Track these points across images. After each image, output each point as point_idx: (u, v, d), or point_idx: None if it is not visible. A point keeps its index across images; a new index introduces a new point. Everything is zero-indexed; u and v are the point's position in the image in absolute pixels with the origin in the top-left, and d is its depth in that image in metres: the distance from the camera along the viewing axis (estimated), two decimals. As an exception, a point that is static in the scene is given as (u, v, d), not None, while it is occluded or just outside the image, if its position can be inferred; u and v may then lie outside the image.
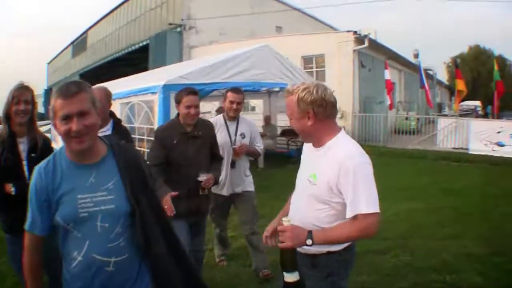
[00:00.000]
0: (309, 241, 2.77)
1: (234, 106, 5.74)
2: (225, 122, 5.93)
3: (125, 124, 11.32)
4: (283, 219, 2.86)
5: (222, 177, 5.63)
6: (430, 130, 21.89)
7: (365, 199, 2.75)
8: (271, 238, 3.32)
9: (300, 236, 2.78)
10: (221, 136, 5.68)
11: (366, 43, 21.99)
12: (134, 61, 36.50)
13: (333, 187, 2.85)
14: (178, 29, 28.45)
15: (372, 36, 22.60)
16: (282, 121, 17.79)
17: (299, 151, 10.06)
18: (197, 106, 4.78)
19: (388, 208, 8.95)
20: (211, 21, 28.13)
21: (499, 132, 17.70)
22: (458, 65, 24.67)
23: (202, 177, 4.75)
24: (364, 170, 2.83)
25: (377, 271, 5.99)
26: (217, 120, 5.97)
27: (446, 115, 27.71)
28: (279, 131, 18.06)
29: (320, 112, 2.91)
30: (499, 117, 25.48)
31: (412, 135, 22.54)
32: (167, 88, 9.56)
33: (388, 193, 9.60)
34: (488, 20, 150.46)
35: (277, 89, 13.24)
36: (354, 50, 22.06)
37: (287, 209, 3.44)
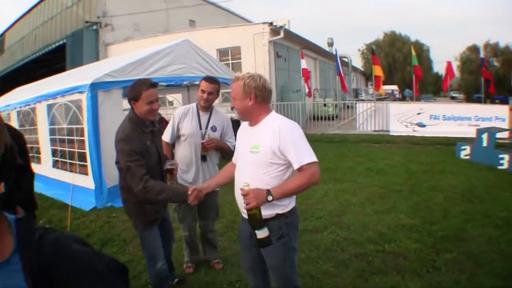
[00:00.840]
0: (269, 197, 3.41)
1: (205, 96, 5.43)
2: (198, 112, 5.61)
3: (54, 126, 11.53)
4: (243, 184, 3.43)
5: (192, 172, 5.55)
6: (349, 115, 22.59)
7: (305, 152, 3.45)
8: (195, 195, 4.03)
9: (261, 194, 3.41)
10: (191, 126, 5.52)
11: (282, 34, 22.69)
12: (50, 62, 35.68)
13: (276, 150, 3.49)
14: (94, 27, 28.09)
15: (286, 27, 23.24)
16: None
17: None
18: (158, 100, 4.43)
19: (316, 189, 9.48)
20: (125, 17, 28.01)
21: (419, 114, 18.83)
22: (374, 52, 25.36)
23: (170, 165, 4.66)
24: (298, 131, 3.58)
25: (317, 247, 6.41)
26: (189, 108, 5.66)
27: (363, 100, 28.59)
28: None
29: (259, 96, 3.62)
30: (417, 99, 26.80)
31: (330, 120, 23.22)
32: (94, 86, 9.64)
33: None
34: (404, 8, 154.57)
35: (197, 82, 13.44)
36: (270, 41, 22.68)
37: (222, 173, 4.34)
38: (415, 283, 5.13)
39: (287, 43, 25.12)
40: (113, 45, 27.84)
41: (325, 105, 24.81)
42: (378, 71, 21.85)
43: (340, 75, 23.48)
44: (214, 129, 5.63)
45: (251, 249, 3.90)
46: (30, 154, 13.43)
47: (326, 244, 6.56)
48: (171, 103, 24.00)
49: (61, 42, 31.17)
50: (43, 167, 12.67)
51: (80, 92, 10.09)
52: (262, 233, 3.46)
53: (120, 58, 14.15)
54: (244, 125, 3.97)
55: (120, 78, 10.32)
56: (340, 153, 15.09)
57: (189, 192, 4.01)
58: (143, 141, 4.36)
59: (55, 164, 12.05)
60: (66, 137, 11.17)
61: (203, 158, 5.60)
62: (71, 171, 10.98)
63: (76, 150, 10.75)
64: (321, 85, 34.25)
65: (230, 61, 23.72)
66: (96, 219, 8.78)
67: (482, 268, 5.41)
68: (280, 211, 3.64)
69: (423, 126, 18.68)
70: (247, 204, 3.40)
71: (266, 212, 3.56)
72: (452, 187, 9.63)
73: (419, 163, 12.72)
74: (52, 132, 12.00)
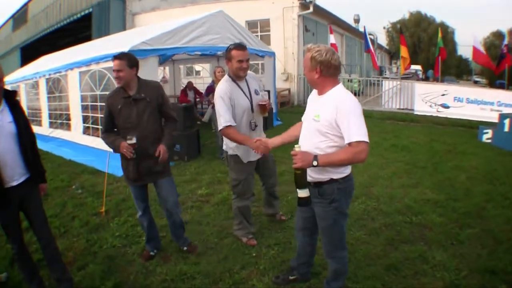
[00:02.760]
0: (315, 162, 3.57)
1: (244, 64, 5.33)
2: (236, 83, 5.46)
3: (87, 93, 11.49)
4: (295, 146, 3.66)
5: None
6: (374, 92, 22.31)
7: (357, 130, 3.52)
8: (260, 145, 4.77)
9: (308, 157, 3.59)
10: (241, 98, 5.41)
11: (311, 9, 22.50)
12: (75, 31, 35.66)
13: (333, 123, 3.62)
14: (121, -4, 27.89)
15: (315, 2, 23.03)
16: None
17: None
18: (120, 71, 4.81)
19: None
20: (152, -13, 27.82)
21: (443, 95, 18.59)
22: (402, 31, 25.06)
23: (130, 141, 4.82)
24: (355, 109, 3.60)
25: (350, 215, 6.38)
26: (226, 84, 5.41)
27: (387, 78, 28.30)
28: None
29: (324, 70, 3.72)
30: (441, 81, 26.51)
31: (355, 96, 22.84)
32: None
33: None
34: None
35: (231, 53, 13.38)
36: (299, 15, 22.48)
37: (290, 133, 4.50)
38: (440, 254, 5.38)
39: (315, 17, 24.89)
40: (140, 15, 27.80)
41: (350, 81, 24.44)
42: (404, 52, 21.56)
43: (370, 51, 23.21)
44: (257, 92, 5.67)
45: (306, 209, 4.14)
46: (59, 121, 13.59)
47: (357, 213, 6.84)
48: (198, 72, 23.92)
49: (87, 11, 31.01)
50: (73, 134, 12.74)
51: None
52: (303, 193, 3.71)
53: (154, 27, 14.05)
54: (314, 92, 4.10)
55: (156, 46, 10.32)
56: (367, 129, 14.71)
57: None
58: (117, 103, 5.00)
59: (86, 131, 12.08)
60: (98, 104, 11.12)
61: (254, 127, 5.56)
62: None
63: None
64: (347, 61, 33.97)
65: (259, 33, 23.48)
66: (128, 184, 8.82)
67: (501, 245, 5.60)
68: (334, 176, 3.82)
69: (447, 107, 18.46)
70: (294, 164, 3.61)
71: (321, 176, 3.83)
72: (474, 168, 9.61)
73: (442, 142, 12.67)
74: (83, 99, 12.00)
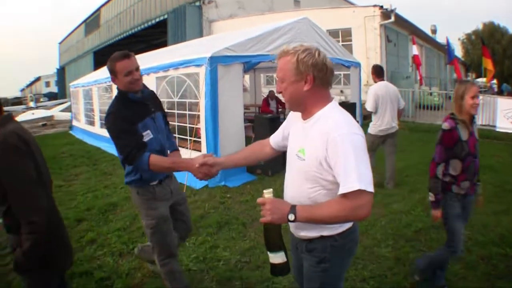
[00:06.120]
0: (291, 216, 2.52)
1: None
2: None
3: (163, 99, 11.14)
4: (264, 191, 2.63)
5: None
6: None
7: (356, 175, 2.41)
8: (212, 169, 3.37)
9: (281, 210, 2.56)
10: None
11: (392, 18, 21.66)
12: (149, 37, 36.38)
13: (322, 162, 2.58)
14: (197, 3, 28.01)
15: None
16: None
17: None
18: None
19: None
20: (229, -5, 27.91)
21: (528, 111, 17.37)
22: (484, 42, 23.99)
23: None
24: (354, 142, 2.50)
25: None
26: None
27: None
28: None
29: (319, 77, 2.64)
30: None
31: (436, 110, 22.12)
32: (214, 60, 9.17)
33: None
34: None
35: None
36: (381, 25, 21.73)
37: (241, 153, 3.48)
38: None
39: (396, 27, 24.13)
40: (217, 22, 27.76)
41: (430, 94, 23.50)
42: (488, 64, 20.50)
43: (454, 63, 22.30)
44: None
45: (297, 257, 3.17)
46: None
47: None
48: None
49: (161, 18, 31.44)
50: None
51: (197, 66, 9.69)
52: (275, 258, 2.67)
53: (235, 33, 13.69)
54: (295, 115, 3.01)
55: (240, 52, 9.86)
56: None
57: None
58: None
59: (161, 138, 11.58)
60: (176, 111, 10.79)
61: None
62: (181, 146, 10.54)
63: (187, 125, 10.37)
64: (427, 73, 32.87)
65: (340, 43, 22.74)
66: (208, 199, 8.42)
67: None
68: (326, 233, 2.78)
69: (532, 125, 17.20)
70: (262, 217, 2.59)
71: (306, 233, 2.84)
72: None
73: (529, 164, 11.82)
74: (159, 105, 11.54)
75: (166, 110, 10.77)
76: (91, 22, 49.37)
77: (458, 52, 71.69)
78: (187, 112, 10.46)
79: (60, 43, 64.56)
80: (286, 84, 2.70)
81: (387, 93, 8.89)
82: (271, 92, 17.41)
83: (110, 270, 5.43)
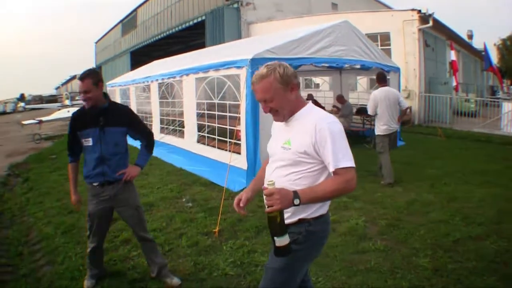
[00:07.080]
0: (296, 201, 2.73)
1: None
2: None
3: (203, 100, 11.20)
4: (268, 182, 2.75)
5: None
6: (490, 113, 20.95)
7: (343, 155, 2.86)
8: (243, 207, 3.38)
9: (287, 196, 2.72)
10: None
11: (430, 23, 21.48)
12: (186, 38, 36.51)
13: (309, 148, 2.94)
14: (235, 5, 28.08)
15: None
16: (353, 99, 17.55)
17: (373, 131, 10.27)
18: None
19: (472, 191, 8.90)
20: (267, -3, 27.91)
21: None
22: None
23: None
24: (338, 129, 2.93)
25: (482, 257, 5.78)
26: None
27: (508, 99, 26.90)
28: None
29: (297, 83, 3.06)
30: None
31: (472, 117, 21.94)
32: (255, 61, 9.13)
33: (469, 177, 9.76)
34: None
35: (357, 66, 12.68)
36: (419, 29, 21.48)
37: (259, 176, 3.58)
38: None
39: (434, 32, 23.84)
40: (256, 24, 27.86)
41: (467, 100, 23.29)
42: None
43: (494, 70, 21.95)
44: None
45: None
46: (171, 127, 13.45)
47: (490, 255, 5.86)
48: (317, 85, 23.62)
49: (199, 19, 31.50)
50: (186, 141, 12.57)
51: (238, 67, 9.71)
52: (282, 240, 2.80)
53: (276, 35, 13.68)
54: (276, 124, 3.32)
55: (282, 55, 9.79)
56: (487, 154, 13.77)
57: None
58: None
59: (200, 140, 11.83)
60: (216, 113, 10.84)
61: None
62: (221, 148, 10.58)
63: (227, 127, 10.41)
64: (464, 79, 32.40)
65: (379, 47, 22.60)
66: (246, 202, 8.29)
67: None
68: (303, 215, 3.06)
69: None
70: (269, 206, 2.72)
71: (290, 219, 3.07)
72: None
73: None
74: (198, 106, 11.74)
75: (205, 111, 10.88)
76: (128, 22, 49.90)
77: (493, 57, 70.71)
78: (227, 114, 10.52)
79: (96, 42, 65.60)
80: (276, 102, 3.02)
81: (386, 97, 9.53)
82: (309, 95, 17.42)
83: (143, 271, 5.45)
